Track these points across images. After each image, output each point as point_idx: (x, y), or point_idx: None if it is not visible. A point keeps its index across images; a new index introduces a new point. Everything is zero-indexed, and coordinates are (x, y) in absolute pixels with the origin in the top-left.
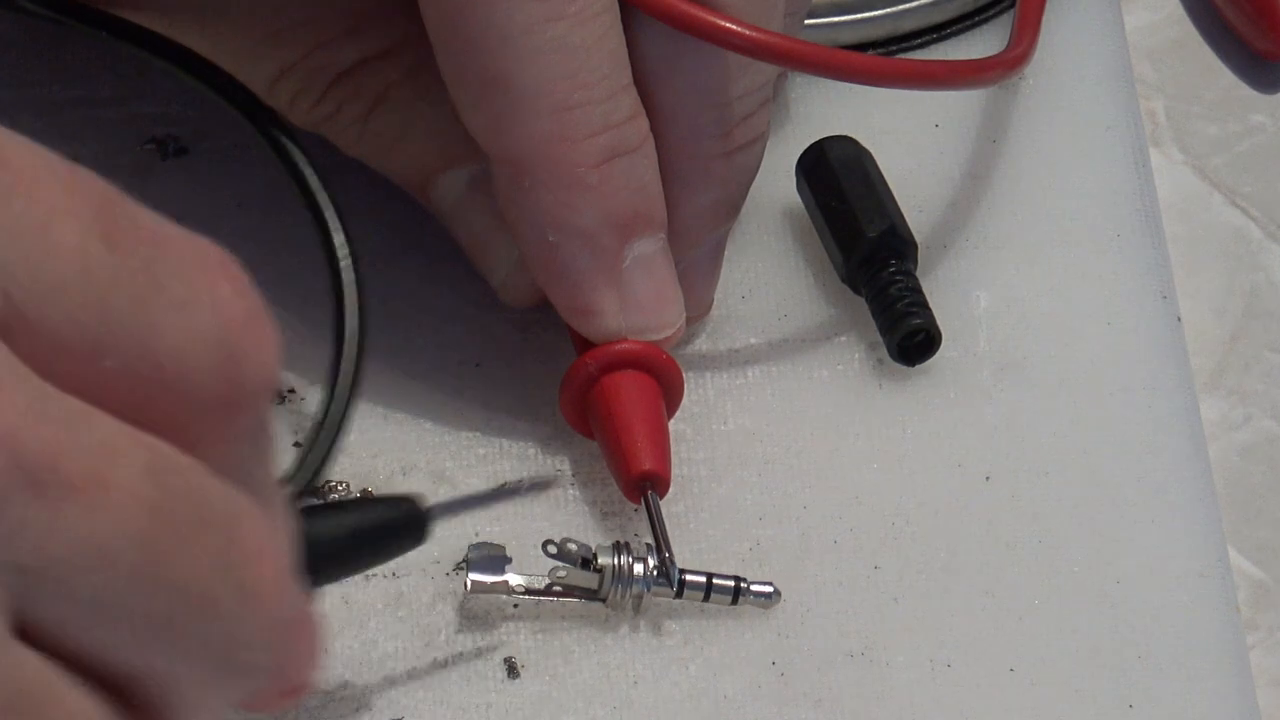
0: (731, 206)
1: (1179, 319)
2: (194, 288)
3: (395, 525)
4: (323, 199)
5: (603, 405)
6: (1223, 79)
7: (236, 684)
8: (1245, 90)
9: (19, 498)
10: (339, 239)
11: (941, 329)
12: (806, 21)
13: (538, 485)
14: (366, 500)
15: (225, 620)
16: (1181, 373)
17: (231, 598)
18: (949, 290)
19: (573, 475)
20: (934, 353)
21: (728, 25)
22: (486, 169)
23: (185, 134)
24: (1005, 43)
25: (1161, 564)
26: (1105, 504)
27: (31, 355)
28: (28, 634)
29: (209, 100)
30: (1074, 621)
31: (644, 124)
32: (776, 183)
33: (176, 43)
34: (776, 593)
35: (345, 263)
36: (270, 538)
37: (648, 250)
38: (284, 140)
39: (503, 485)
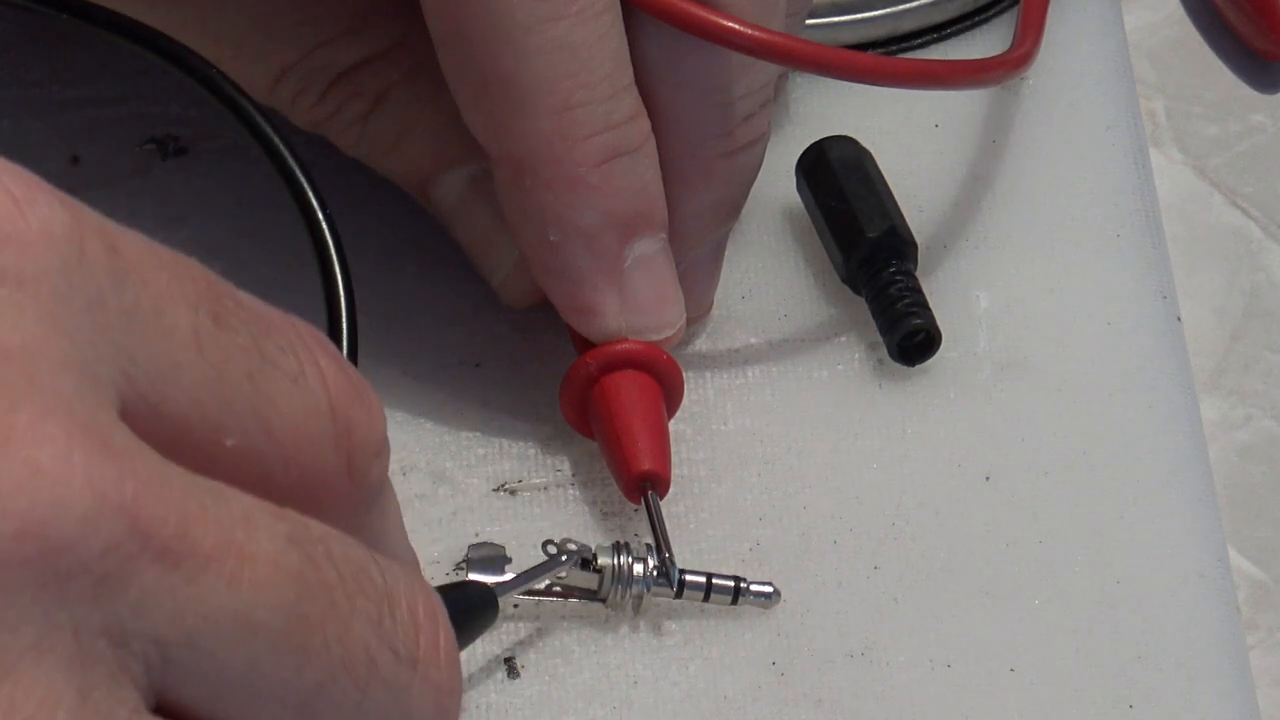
0: (732, 207)
1: (1179, 319)
2: (299, 360)
3: (473, 609)
4: (313, 198)
5: (603, 405)
6: (1223, 79)
7: None
8: (1245, 90)
9: (148, 568)
10: (330, 238)
11: (941, 329)
12: (807, 22)
13: (580, 552)
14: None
15: (388, 690)
16: (1181, 373)
17: (392, 665)
18: (949, 290)
19: (573, 475)
20: (934, 353)
21: (730, 25)
22: (486, 169)
23: (185, 134)
24: (1005, 43)
25: (1161, 564)
26: (1105, 504)
27: (155, 438)
28: (165, 711)
29: (207, 99)
30: (1074, 621)
31: (645, 124)
32: (776, 183)
33: (171, 39)
34: (776, 593)
35: (337, 262)
36: (426, 601)
37: (648, 250)
38: (275, 140)
39: (546, 550)
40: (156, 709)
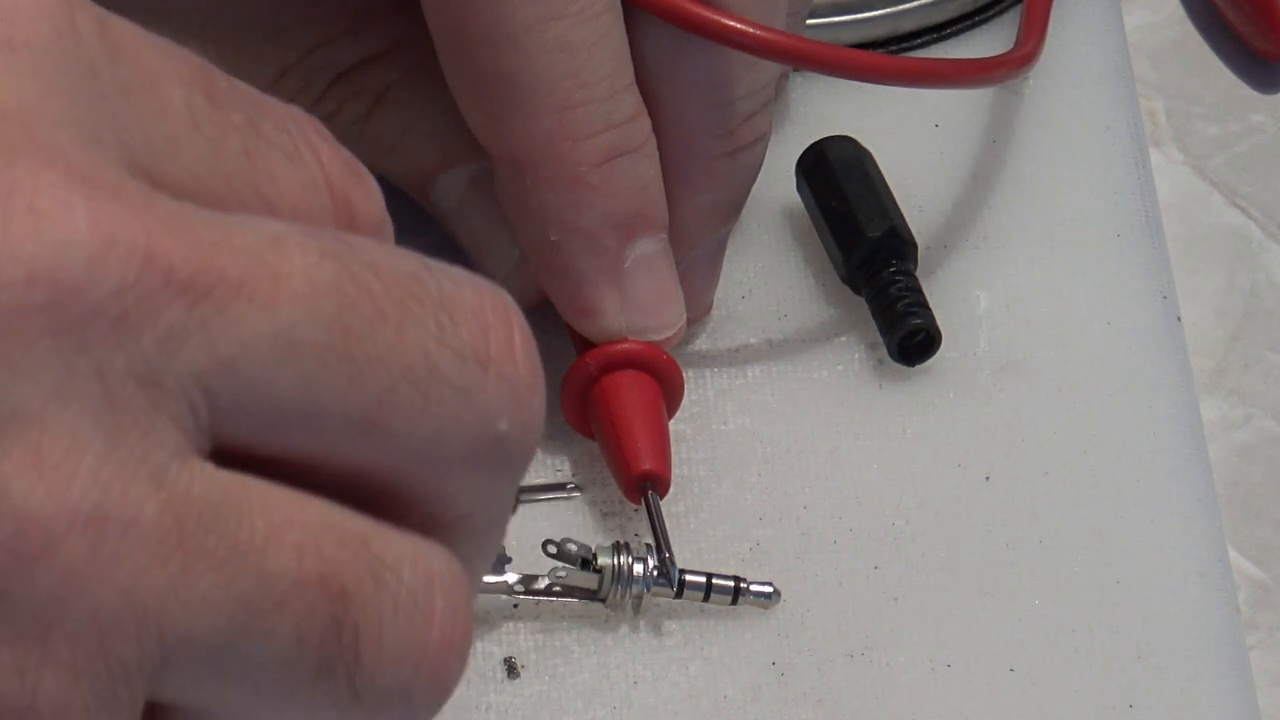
0: (733, 206)
1: (1179, 319)
2: (294, 139)
3: None
4: None
5: (603, 405)
6: (1223, 79)
7: (502, 466)
8: (1245, 90)
9: (172, 304)
10: None
11: (941, 329)
12: (807, 22)
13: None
14: None
15: (456, 392)
16: (1181, 373)
17: (456, 367)
18: (949, 290)
19: (573, 475)
20: (934, 353)
21: (733, 24)
22: (486, 169)
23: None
24: (1005, 43)
25: (1161, 564)
26: (1105, 504)
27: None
28: (226, 451)
29: None
30: (1074, 621)
31: (646, 124)
32: (776, 183)
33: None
34: (776, 593)
35: None
36: (493, 301)
37: (649, 250)
38: None
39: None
40: (217, 451)
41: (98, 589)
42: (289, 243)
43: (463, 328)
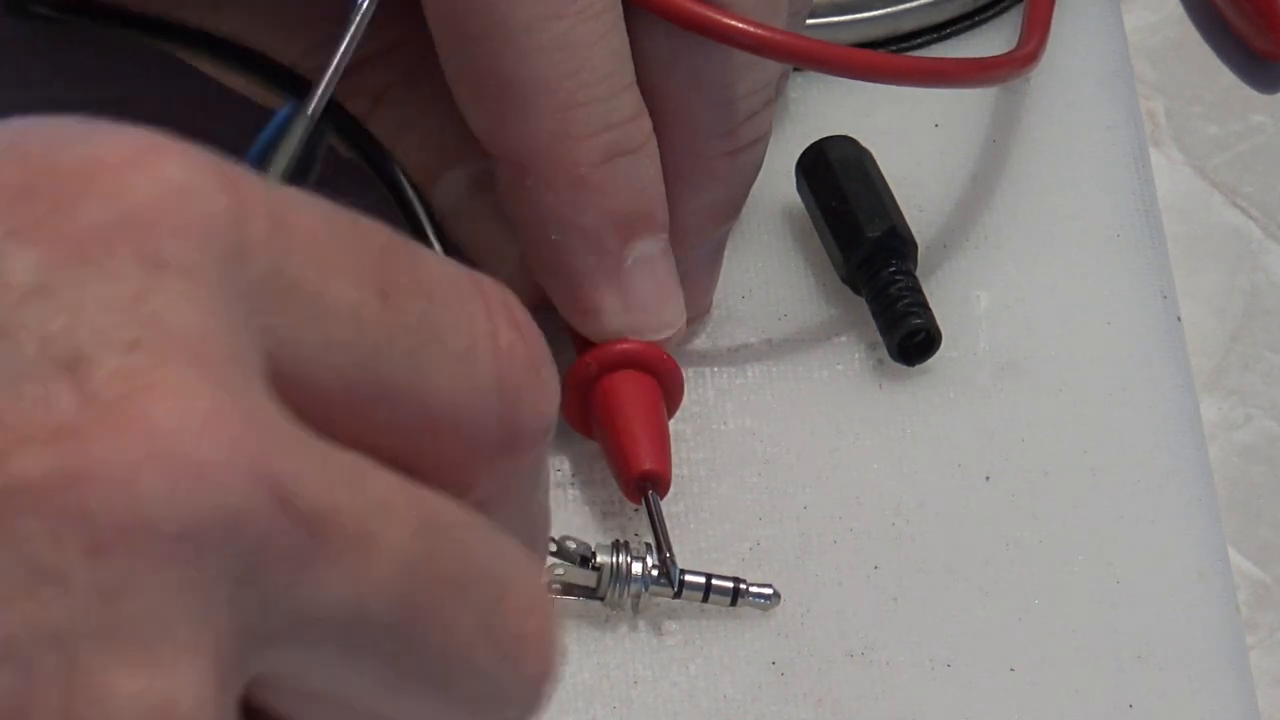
0: (733, 206)
1: (1179, 319)
2: (473, 336)
3: None
4: (413, 197)
5: (603, 405)
6: (1223, 79)
7: None
8: (1245, 90)
9: (298, 549)
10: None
11: (941, 329)
12: (807, 21)
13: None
14: None
15: (479, 679)
16: (1181, 373)
17: (488, 657)
18: (949, 290)
19: (573, 475)
20: (934, 353)
21: (735, 23)
22: (486, 169)
23: (185, 134)
24: (1005, 43)
25: (1161, 564)
26: (1105, 504)
27: (297, 406)
28: (256, 683)
29: (207, 100)
30: (1074, 621)
31: (646, 124)
32: (776, 183)
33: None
34: (776, 595)
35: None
36: (539, 594)
37: (649, 250)
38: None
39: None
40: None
41: None
42: (394, 509)
43: (506, 619)
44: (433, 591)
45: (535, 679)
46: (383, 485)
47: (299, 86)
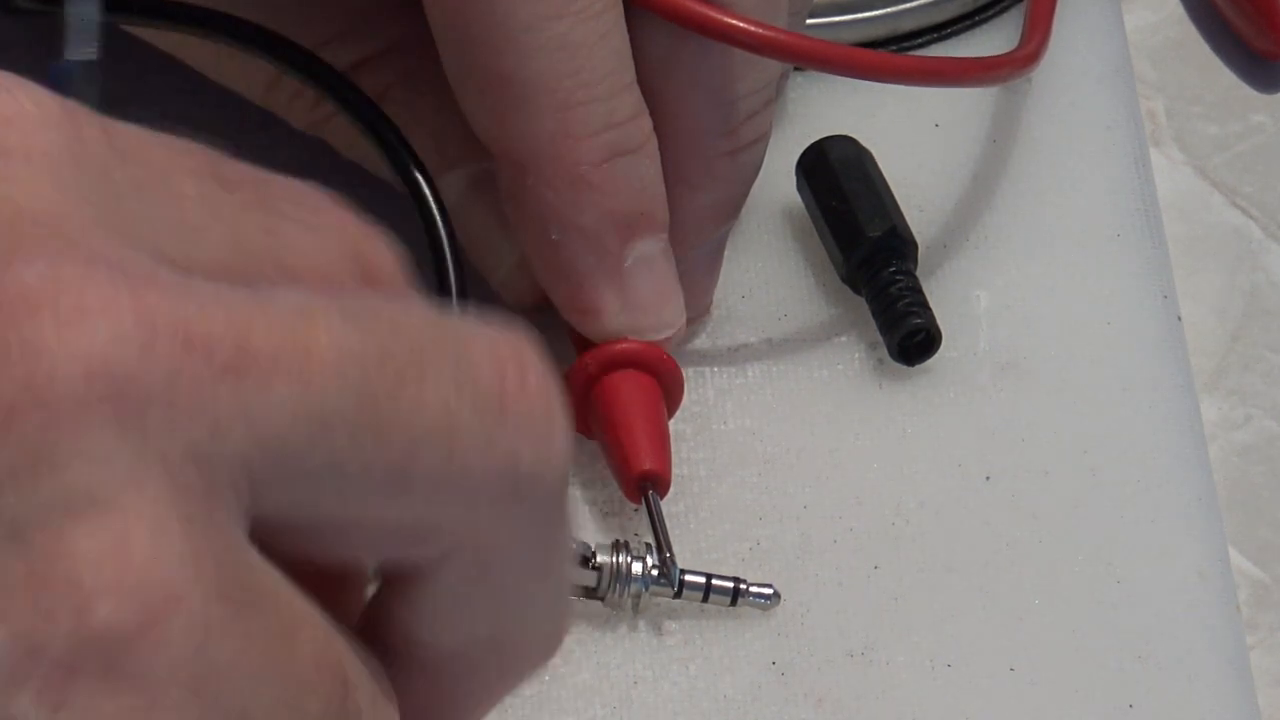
0: (734, 205)
1: (1179, 319)
2: (314, 210)
3: None
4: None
5: (603, 405)
6: (1223, 79)
7: (528, 498)
8: (1245, 90)
9: (217, 387)
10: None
11: (941, 329)
12: (807, 21)
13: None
14: None
15: (477, 439)
16: (1181, 373)
17: (473, 415)
18: (949, 290)
19: (572, 475)
20: (934, 352)
21: (736, 22)
22: (486, 169)
23: (184, 133)
24: (1006, 43)
25: (1161, 564)
26: (1105, 504)
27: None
28: (260, 535)
29: (208, 99)
30: (1074, 621)
31: (646, 123)
32: (776, 183)
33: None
34: (776, 595)
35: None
36: (505, 340)
37: (649, 250)
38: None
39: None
40: (251, 537)
41: (190, 665)
42: (315, 311)
43: (479, 374)
44: (386, 370)
45: (534, 419)
46: (295, 295)
47: (317, 68)
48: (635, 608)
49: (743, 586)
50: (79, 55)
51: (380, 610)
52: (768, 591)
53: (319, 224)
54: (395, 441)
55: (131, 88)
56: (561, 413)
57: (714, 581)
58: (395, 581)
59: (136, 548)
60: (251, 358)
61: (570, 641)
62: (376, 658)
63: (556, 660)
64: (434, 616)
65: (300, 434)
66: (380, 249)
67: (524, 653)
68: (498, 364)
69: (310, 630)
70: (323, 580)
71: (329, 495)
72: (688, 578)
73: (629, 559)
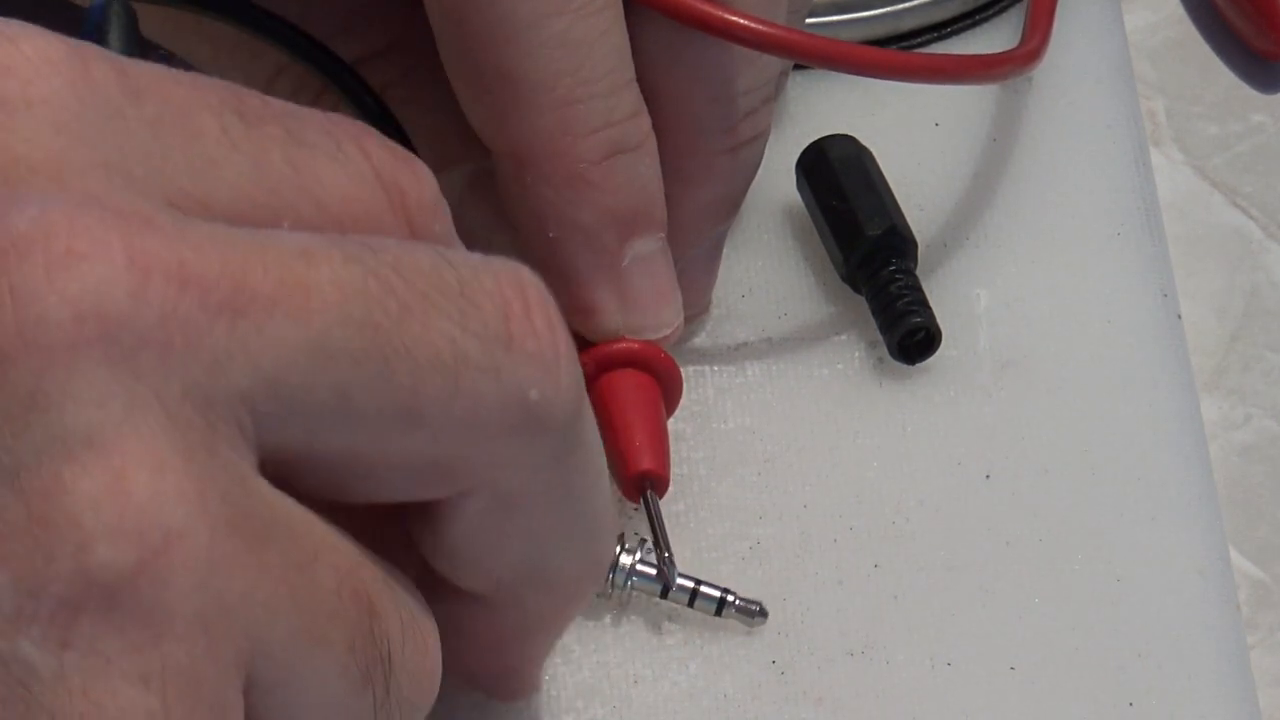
0: (733, 204)
1: (1179, 317)
2: (338, 140)
3: None
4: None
5: (601, 404)
6: (1223, 79)
7: (538, 431)
8: (1245, 90)
9: (213, 326)
10: None
11: (941, 328)
12: (807, 20)
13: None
14: None
15: (484, 374)
16: (1181, 372)
17: (480, 350)
18: (949, 289)
19: None
20: (934, 351)
21: (735, 19)
22: (485, 168)
23: None
24: (1006, 42)
25: (1161, 564)
26: (1105, 504)
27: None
28: (273, 470)
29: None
30: (1074, 621)
31: (646, 122)
32: (776, 182)
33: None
34: (763, 612)
35: None
36: (510, 277)
37: (647, 249)
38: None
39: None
40: (263, 472)
41: (196, 598)
42: (315, 252)
43: (484, 310)
44: (389, 305)
45: (542, 354)
46: (296, 237)
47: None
48: (626, 602)
49: (729, 598)
50: None
51: (419, 549)
52: (753, 607)
53: (349, 154)
54: (400, 375)
55: None
56: (569, 346)
57: (701, 589)
58: (427, 521)
59: (135, 486)
60: (249, 297)
61: (570, 640)
62: (419, 591)
63: (556, 659)
64: (467, 553)
65: (302, 368)
66: (415, 178)
67: (567, 584)
68: (503, 299)
69: (331, 558)
70: (380, 522)
71: (340, 431)
72: (678, 580)
73: (631, 560)
